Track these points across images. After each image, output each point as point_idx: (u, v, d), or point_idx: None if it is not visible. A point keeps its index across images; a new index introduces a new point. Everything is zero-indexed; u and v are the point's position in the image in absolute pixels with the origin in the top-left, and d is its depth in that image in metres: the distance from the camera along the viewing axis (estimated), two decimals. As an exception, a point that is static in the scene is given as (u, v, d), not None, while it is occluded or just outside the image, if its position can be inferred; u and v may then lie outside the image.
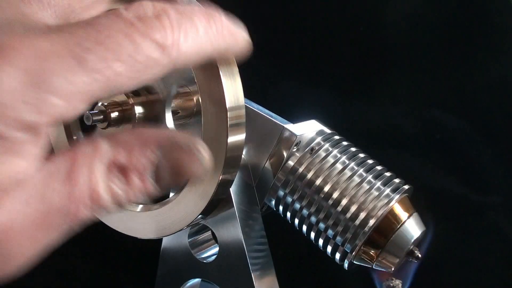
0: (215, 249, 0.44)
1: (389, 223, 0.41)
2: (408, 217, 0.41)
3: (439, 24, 0.65)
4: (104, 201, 0.24)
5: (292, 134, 0.42)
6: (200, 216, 0.37)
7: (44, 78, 0.22)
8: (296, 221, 0.43)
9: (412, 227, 0.41)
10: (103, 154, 0.24)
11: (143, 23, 0.24)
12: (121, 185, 0.24)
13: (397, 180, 0.43)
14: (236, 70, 0.35)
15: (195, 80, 0.35)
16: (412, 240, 0.41)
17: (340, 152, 0.43)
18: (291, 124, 0.43)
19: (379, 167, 0.43)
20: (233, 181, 0.37)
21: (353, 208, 0.41)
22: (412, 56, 0.65)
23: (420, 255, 0.41)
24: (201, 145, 0.26)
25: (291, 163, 0.42)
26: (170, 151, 0.25)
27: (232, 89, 0.35)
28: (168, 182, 0.25)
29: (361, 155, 0.43)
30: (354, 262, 0.42)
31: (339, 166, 0.42)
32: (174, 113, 0.38)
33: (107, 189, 0.24)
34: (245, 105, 0.36)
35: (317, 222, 0.42)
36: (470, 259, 0.62)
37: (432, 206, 0.49)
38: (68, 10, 0.28)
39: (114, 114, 0.36)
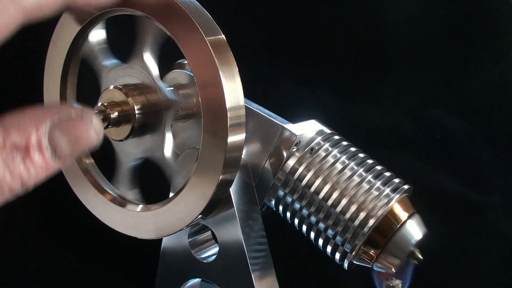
0: (215, 249, 0.44)
1: (389, 223, 0.41)
2: (409, 217, 0.41)
3: (439, 24, 0.65)
4: (7, 181, 0.25)
5: (292, 134, 0.42)
6: (200, 216, 0.37)
7: None
8: (296, 221, 0.43)
9: (414, 229, 0.41)
10: None
11: None
12: (21, 164, 0.25)
13: (397, 180, 0.43)
14: (236, 70, 0.35)
15: (195, 81, 0.35)
16: (413, 242, 0.41)
17: (340, 152, 0.43)
18: (291, 124, 0.43)
19: (378, 167, 0.43)
20: (233, 181, 0.37)
21: (352, 208, 0.41)
22: (412, 56, 0.65)
23: (421, 257, 0.41)
24: (93, 114, 0.28)
25: (291, 163, 0.42)
26: (64, 123, 0.26)
27: (232, 89, 0.35)
28: (67, 153, 0.26)
29: (361, 155, 0.43)
30: (354, 262, 0.42)
31: (339, 166, 0.42)
32: (174, 113, 0.38)
33: (6, 169, 0.25)
34: (245, 105, 0.36)
35: (317, 222, 0.42)
36: (470, 259, 0.62)
37: (432, 206, 0.49)
38: None
39: (114, 114, 0.36)
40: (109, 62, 0.39)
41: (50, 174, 0.26)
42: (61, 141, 0.26)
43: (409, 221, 0.41)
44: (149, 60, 0.37)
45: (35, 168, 0.26)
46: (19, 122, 0.25)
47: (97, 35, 0.39)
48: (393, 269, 0.41)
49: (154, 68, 0.37)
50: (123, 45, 0.39)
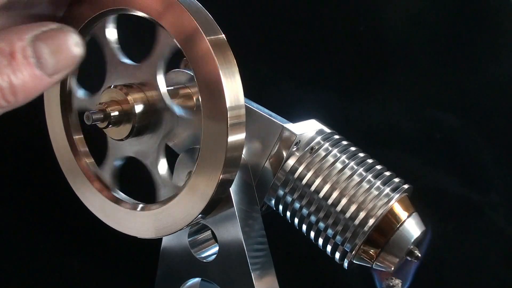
0: (215, 249, 0.44)
1: (389, 222, 0.41)
2: (408, 217, 0.41)
3: (439, 24, 0.65)
4: None
5: (292, 133, 0.42)
6: (200, 215, 0.37)
7: None
8: (296, 220, 0.43)
9: (412, 227, 0.41)
10: None
11: None
12: (8, 67, 0.28)
13: (396, 180, 0.43)
14: (236, 70, 0.35)
15: (195, 80, 0.35)
16: (412, 240, 0.41)
17: (340, 152, 0.43)
18: (291, 124, 0.43)
19: (378, 167, 0.43)
20: (233, 180, 0.37)
21: (352, 208, 0.41)
22: (412, 56, 0.65)
23: (419, 255, 0.41)
24: (72, 28, 0.30)
25: (290, 162, 0.42)
26: (44, 34, 0.29)
27: (232, 88, 0.35)
28: (52, 64, 0.29)
29: (361, 154, 0.43)
30: (354, 261, 0.42)
31: (338, 165, 0.42)
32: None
33: None
34: (245, 105, 0.36)
35: (317, 221, 0.42)
36: (470, 259, 0.62)
37: (432, 206, 0.49)
38: None
39: (114, 113, 0.36)
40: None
41: (40, 87, 0.29)
42: (44, 50, 0.29)
43: (407, 220, 0.41)
44: (161, 79, 0.37)
45: (23, 74, 0.28)
46: (4, 34, 0.29)
47: (110, 33, 0.39)
48: (392, 268, 0.41)
49: (163, 86, 0.38)
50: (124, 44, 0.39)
